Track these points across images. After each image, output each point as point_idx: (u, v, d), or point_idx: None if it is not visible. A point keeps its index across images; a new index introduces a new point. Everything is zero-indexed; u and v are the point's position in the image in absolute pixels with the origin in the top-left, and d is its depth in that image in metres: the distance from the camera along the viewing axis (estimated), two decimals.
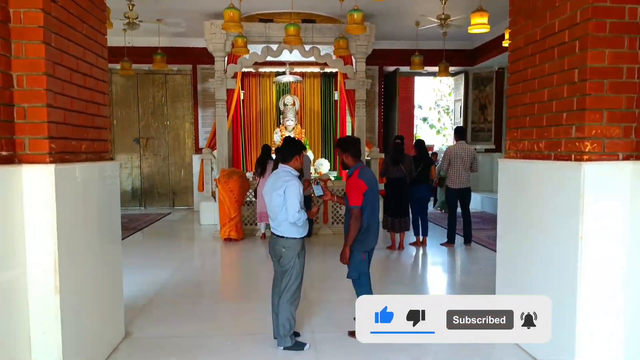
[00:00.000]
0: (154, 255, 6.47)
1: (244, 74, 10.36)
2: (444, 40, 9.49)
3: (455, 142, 6.56)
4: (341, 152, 3.54)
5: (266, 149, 6.94)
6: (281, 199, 3.19)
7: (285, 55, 9.21)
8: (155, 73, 10.42)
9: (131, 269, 4.76)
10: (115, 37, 9.19)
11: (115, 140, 10.54)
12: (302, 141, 10.19)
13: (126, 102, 10.49)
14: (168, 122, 10.64)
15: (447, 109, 15.80)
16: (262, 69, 10.36)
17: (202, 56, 9.43)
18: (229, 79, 7.99)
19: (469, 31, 6.42)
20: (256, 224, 7.36)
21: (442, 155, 6.65)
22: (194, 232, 8.24)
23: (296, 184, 3.21)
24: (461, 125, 9.05)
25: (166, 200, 10.80)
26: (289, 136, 3.39)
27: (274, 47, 8.10)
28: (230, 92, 8.17)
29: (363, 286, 3.48)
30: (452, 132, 6.96)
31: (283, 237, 3.28)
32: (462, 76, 10.95)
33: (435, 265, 6.19)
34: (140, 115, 10.56)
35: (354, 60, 8.32)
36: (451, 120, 15.88)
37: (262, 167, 6.77)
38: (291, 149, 3.33)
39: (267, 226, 6.97)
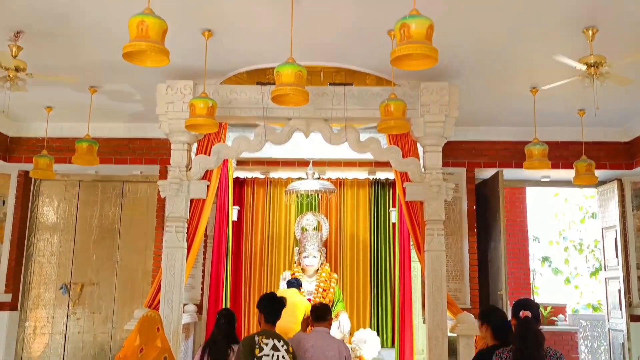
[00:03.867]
0: None
1: (241, 182, 8.07)
2: (581, 122, 6.80)
3: None
4: None
5: (226, 318, 4.11)
6: None
7: (305, 148, 6.88)
8: (108, 180, 8.36)
9: None
10: (40, 123, 7.36)
11: (31, 287, 8.15)
12: (332, 294, 7.28)
13: (58, 226, 8.31)
14: (119, 258, 8.23)
15: (580, 245, 12.55)
16: (274, 174, 8.06)
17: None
18: (193, 180, 5.61)
19: None
20: None
21: None
22: None
23: None
24: None
25: None
26: None
27: (279, 129, 5.79)
28: (197, 204, 5.71)
29: None
30: None
31: None
32: (614, 187, 7.99)
33: None
34: (77, 247, 8.25)
35: (420, 150, 5.77)
36: (587, 261, 12.50)
37: (217, 356, 3.92)
38: None
39: None
